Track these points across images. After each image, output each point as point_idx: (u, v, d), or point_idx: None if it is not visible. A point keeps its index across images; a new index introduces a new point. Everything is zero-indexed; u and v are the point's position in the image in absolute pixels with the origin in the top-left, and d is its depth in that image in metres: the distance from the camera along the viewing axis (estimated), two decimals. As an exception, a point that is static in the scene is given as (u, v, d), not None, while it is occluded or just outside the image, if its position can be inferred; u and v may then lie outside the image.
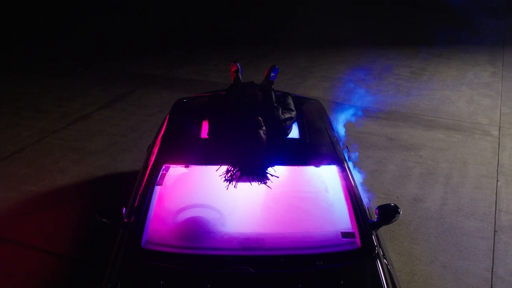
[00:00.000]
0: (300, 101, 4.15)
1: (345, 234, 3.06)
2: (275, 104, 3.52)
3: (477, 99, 7.76)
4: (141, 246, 2.90)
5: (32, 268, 4.06)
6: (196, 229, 3.09)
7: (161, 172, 3.26)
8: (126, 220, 3.05)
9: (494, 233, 4.57)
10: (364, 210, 3.17)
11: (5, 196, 5.03)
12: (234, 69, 4.60)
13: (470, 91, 8.12)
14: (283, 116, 3.45)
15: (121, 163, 5.71)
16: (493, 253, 4.32)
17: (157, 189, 3.25)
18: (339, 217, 3.24)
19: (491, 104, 7.59)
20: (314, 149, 3.42)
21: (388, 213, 3.13)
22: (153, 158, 3.41)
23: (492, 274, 4.08)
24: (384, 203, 3.35)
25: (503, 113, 7.22)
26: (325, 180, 3.63)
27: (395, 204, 3.18)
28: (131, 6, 13.87)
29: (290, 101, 3.77)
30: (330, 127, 3.85)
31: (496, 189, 5.28)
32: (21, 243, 4.36)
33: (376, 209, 3.17)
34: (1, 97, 7.70)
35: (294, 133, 3.57)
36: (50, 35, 11.37)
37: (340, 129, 5.06)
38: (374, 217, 3.21)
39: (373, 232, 3.07)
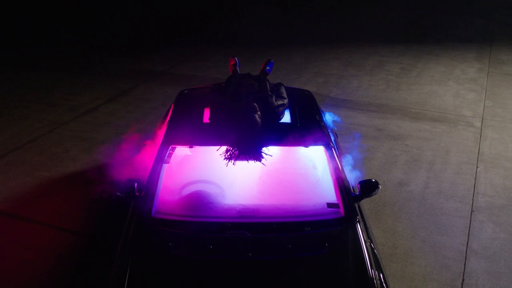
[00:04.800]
0: (292, 91, 4.53)
1: (330, 205, 3.43)
2: (269, 93, 3.92)
3: (462, 93, 8.16)
4: (151, 215, 3.28)
5: (48, 243, 4.44)
6: (200, 201, 3.47)
7: (168, 152, 3.65)
8: (137, 194, 3.43)
9: (471, 213, 4.98)
10: (348, 185, 3.56)
11: (22, 180, 5.43)
12: (232, 62, 5.00)
13: (457, 85, 8.52)
14: (276, 102, 3.85)
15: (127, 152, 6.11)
16: (469, 230, 4.72)
17: (165, 166, 3.61)
18: (325, 190, 3.62)
19: (476, 98, 7.99)
20: (304, 131, 3.77)
21: (369, 187, 3.51)
22: (161, 140, 3.81)
23: (467, 247, 4.47)
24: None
25: (487, 106, 7.63)
26: (313, 159, 4.03)
27: (375, 180, 3.59)
28: (133, 5, 14.24)
29: (283, 90, 4.16)
30: (318, 113, 4.23)
31: (476, 174, 5.69)
32: (38, 221, 4.74)
33: (358, 184, 3.56)
34: (13, 92, 8.07)
35: (286, 118, 3.95)
36: (53, 35, 11.73)
37: (332, 121, 5.45)
38: (357, 191, 3.60)
39: (356, 204, 3.46)
